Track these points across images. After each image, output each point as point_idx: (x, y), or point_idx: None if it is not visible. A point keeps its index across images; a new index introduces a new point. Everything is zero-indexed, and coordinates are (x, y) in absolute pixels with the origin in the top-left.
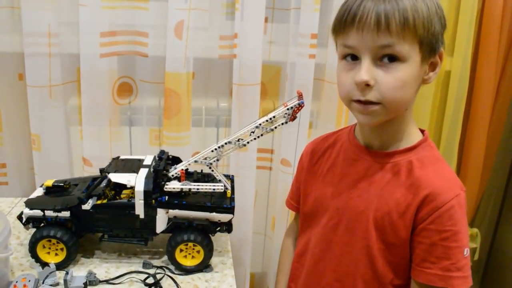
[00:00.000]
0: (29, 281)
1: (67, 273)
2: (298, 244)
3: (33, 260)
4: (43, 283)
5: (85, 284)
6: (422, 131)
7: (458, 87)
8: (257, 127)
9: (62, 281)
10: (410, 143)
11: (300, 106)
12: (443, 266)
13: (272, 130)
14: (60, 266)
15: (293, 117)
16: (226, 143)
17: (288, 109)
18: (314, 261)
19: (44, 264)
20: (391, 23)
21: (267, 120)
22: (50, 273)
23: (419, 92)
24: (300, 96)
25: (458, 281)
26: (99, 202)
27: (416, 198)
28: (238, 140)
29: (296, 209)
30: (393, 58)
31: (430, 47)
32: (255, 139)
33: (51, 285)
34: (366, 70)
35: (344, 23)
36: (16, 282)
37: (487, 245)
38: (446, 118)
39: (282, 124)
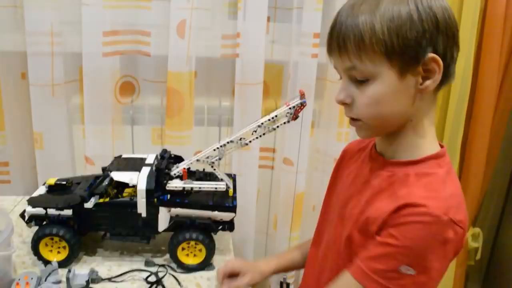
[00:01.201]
0: (32, 279)
1: (69, 271)
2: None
3: (36, 258)
4: (45, 281)
5: (88, 282)
6: (442, 147)
7: (461, 86)
8: (259, 126)
9: (64, 279)
10: (414, 157)
11: (302, 105)
12: (373, 267)
13: (274, 129)
14: (62, 264)
15: (295, 116)
16: (228, 142)
17: (290, 108)
18: (320, 260)
19: (47, 262)
20: (347, 45)
21: (269, 119)
22: (53, 271)
23: None
24: (302, 95)
25: (376, 286)
26: (101, 200)
27: (394, 205)
28: (240, 139)
29: None
30: (365, 78)
31: (407, 57)
32: (257, 138)
33: (53, 282)
34: (341, 90)
35: (327, 47)
36: (19, 280)
37: (489, 245)
38: (449, 118)
39: (284, 123)
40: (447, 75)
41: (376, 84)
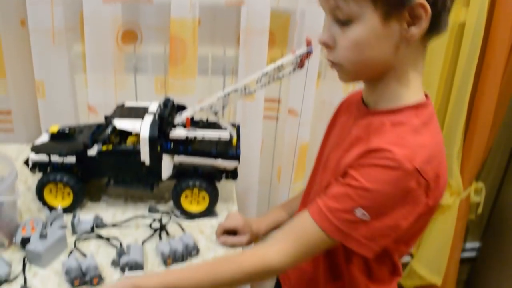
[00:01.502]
0: (37, 223)
1: (74, 216)
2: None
3: (41, 204)
4: (51, 226)
5: (92, 228)
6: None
7: (472, 39)
8: (264, 75)
9: (69, 225)
10: (393, 106)
11: (308, 54)
12: (329, 205)
13: (279, 78)
14: (67, 211)
15: (301, 65)
16: (232, 91)
17: (296, 56)
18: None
19: (52, 208)
20: None
21: (274, 68)
22: (58, 216)
23: (430, 46)
24: (309, 43)
25: (327, 224)
26: (104, 148)
27: (361, 150)
28: (245, 88)
29: None
30: (348, 19)
31: (393, 1)
32: (262, 87)
33: (59, 228)
34: (324, 31)
35: None
36: (25, 224)
37: (491, 200)
38: (458, 71)
39: (290, 72)
40: (436, 24)
41: (359, 26)
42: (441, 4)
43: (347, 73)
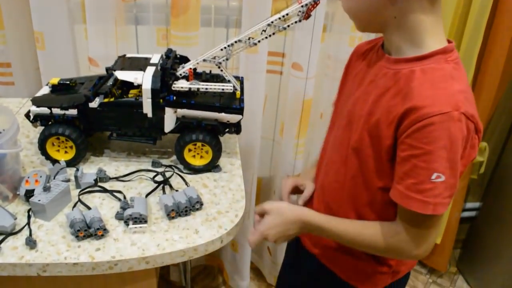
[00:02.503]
0: (41, 177)
1: (77, 169)
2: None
3: (44, 158)
4: (54, 178)
5: (96, 181)
6: (450, 42)
7: None
8: (269, 25)
9: (73, 178)
10: (420, 52)
11: (315, 3)
12: (406, 184)
13: (284, 28)
14: (70, 164)
15: (307, 15)
16: (236, 42)
17: (302, 6)
18: (326, 163)
19: (55, 161)
20: None
21: (279, 18)
22: (61, 169)
23: None
24: None
25: (415, 203)
26: (106, 100)
27: (401, 109)
28: (249, 39)
29: None
30: None
31: None
32: (266, 37)
33: (62, 181)
34: None
35: None
36: (28, 177)
37: (494, 161)
38: (469, 24)
39: (296, 22)
40: None
41: None
42: None
43: (355, 22)
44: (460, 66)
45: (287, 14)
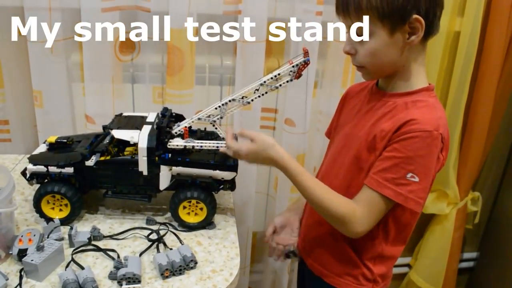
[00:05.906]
0: (34, 235)
1: (71, 228)
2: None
3: (38, 215)
4: (48, 237)
5: (90, 239)
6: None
7: (467, 48)
8: (261, 84)
9: (66, 236)
10: (411, 89)
11: (305, 63)
12: (385, 177)
13: (277, 87)
14: (64, 222)
15: (298, 75)
16: (230, 101)
17: (293, 66)
18: (321, 176)
19: (49, 220)
20: (350, 10)
21: (272, 78)
22: (55, 228)
23: (427, 52)
24: (306, 53)
25: (390, 191)
26: (102, 158)
27: (396, 125)
28: (242, 98)
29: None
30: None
31: (395, 19)
32: (259, 96)
33: (55, 239)
34: (346, 43)
35: (335, 8)
36: (21, 236)
37: (488, 210)
38: (454, 79)
39: (287, 81)
40: (431, 30)
41: (372, 39)
42: (432, 15)
43: (368, 73)
44: (438, 100)
45: (279, 74)
